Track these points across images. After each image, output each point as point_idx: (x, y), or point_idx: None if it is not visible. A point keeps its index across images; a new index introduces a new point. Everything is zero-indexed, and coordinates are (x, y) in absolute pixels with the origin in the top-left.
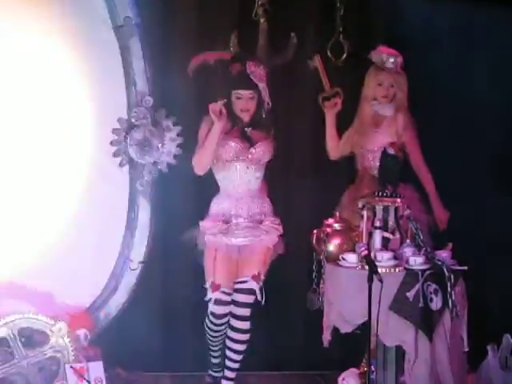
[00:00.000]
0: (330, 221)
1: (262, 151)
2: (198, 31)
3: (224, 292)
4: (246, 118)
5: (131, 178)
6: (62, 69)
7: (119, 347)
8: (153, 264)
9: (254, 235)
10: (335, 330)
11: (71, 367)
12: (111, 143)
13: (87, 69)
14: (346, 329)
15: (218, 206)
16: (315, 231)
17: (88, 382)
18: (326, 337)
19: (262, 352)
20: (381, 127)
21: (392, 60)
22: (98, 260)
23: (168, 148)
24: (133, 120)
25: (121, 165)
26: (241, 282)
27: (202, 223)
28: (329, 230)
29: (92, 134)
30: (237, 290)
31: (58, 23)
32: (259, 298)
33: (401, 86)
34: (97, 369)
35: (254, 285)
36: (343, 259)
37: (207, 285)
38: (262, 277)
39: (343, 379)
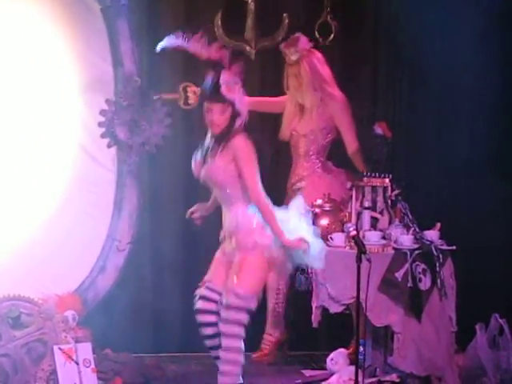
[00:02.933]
0: (319, 201)
1: (210, 171)
2: (185, 12)
3: None
4: (215, 131)
5: (119, 159)
6: (48, 49)
7: (108, 328)
8: (141, 245)
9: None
10: (324, 310)
11: (59, 349)
12: (99, 124)
13: (74, 50)
14: (334, 309)
15: None
16: None
17: (76, 363)
18: (316, 317)
19: (250, 333)
20: (310, 114)
21: (293, 50)
22: (85, 241)
23: (156, 129)
24: (121, 101)
25: (108, 146)
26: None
27: None
28: (317, 210)
29: (80, 115)
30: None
31: (45, 2)
32: None
33: (307, 74)
34: (85, 350)
35: None
36: (332, 239)
37: None
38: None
39: (332, 359)
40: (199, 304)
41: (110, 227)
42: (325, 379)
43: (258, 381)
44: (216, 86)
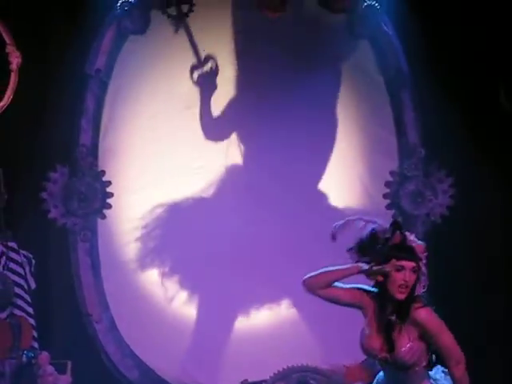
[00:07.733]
0: None
1: (405, 355)
2: (461, 79)
3: None
4: (401, 296)
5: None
6: (330, 121)
7: None
8: None
9: None
10: None
11: None
12: (384, 196)
13: (358, 122)
14: None
15: None
16: None
17: None
18: None
19: None
20: None
21: None
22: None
23: (441, 199)
24: (405, 172)
25: (393, 217)
26: None
27: None
28: None
29: (364, 186)
30: None
31: (331, 73)
32: None
33: None
34: None
35: None
36: None
37: None
38: None
39: None
40: None
41: None
42: None
43: None
44: (406, 243)
